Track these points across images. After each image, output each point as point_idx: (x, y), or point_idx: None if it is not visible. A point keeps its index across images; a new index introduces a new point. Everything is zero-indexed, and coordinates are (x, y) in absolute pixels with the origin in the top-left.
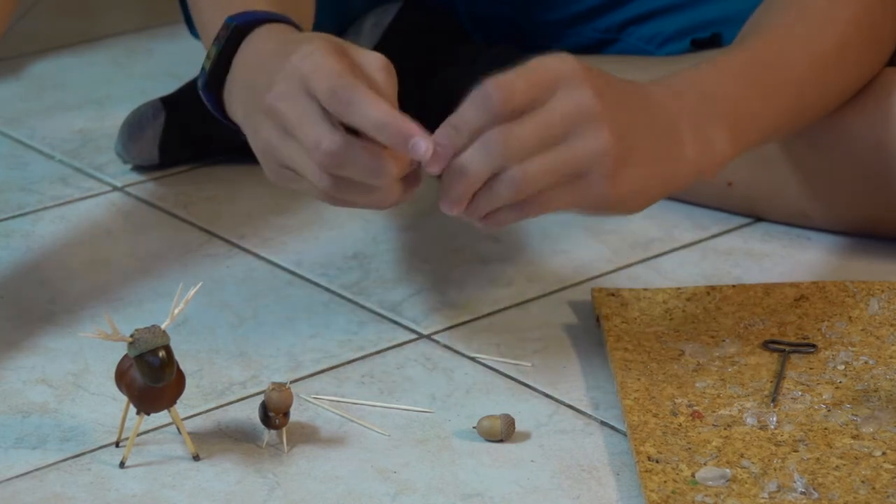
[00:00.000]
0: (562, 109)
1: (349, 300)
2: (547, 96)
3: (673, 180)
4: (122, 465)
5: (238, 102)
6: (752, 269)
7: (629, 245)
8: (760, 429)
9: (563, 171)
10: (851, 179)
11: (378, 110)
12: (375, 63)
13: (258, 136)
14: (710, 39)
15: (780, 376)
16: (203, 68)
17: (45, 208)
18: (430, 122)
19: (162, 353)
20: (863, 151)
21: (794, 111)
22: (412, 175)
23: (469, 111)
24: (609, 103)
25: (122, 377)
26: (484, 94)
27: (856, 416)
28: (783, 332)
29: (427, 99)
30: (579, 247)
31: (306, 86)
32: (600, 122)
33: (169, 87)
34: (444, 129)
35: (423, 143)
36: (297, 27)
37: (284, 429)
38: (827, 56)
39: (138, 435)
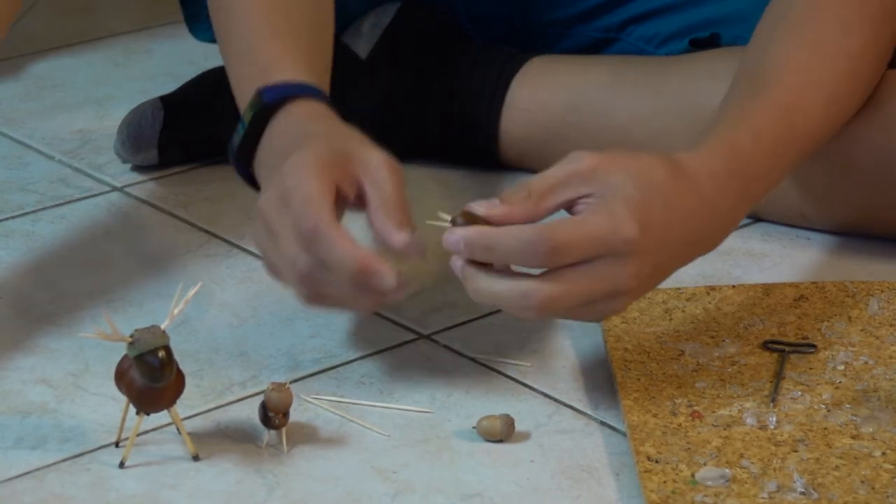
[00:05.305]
0: (601, 284)
1: None
2: (592, 257)
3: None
4: (121, 465)
5: (261, 180)
6: (752, 269)
7: None
8: (760, 429)
9: (576, 316)
10: (851, 182)
11: (337, 249)
12: (376, 162)
13: (253, 228)
14: (709, 39)
15: (779, 376)
16: (232, 141)
17: (45, 208)
18: (430, 123)
19: (161, 354)
20: (862, 155)
21: (804, 159)
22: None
23: (514, 249)
24: (644, 277)
25: (121, 377)
26: (539, 247)
27: (855, 416)
28: (783, 332)
29: (426, 100)
30: None
31: (286, 201)
32: (628, 297)
33: (168, 87)
34: (464, 248)
35: (386, 279)
36: (326, 98)
37: (284, 429)
38: (841, 94)
39: (138, 435)
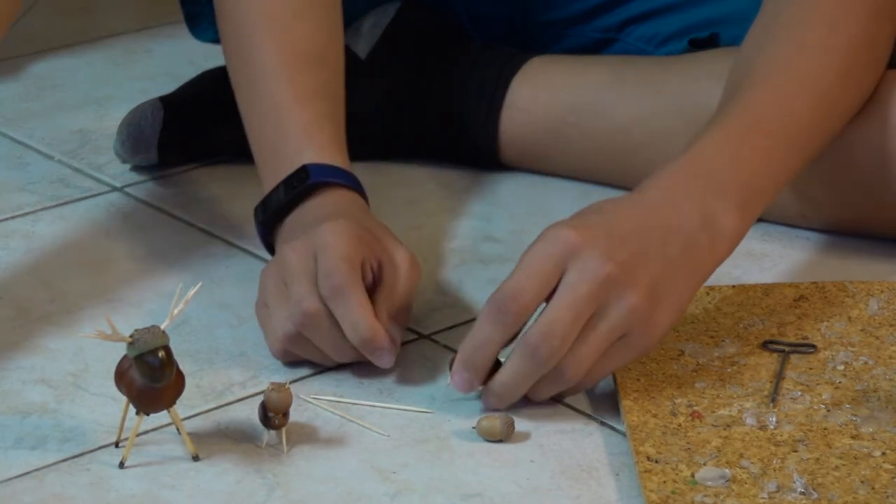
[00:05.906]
0: (585, 289)
1: None
2: (559, 276)
3: (698, 281)
4: (121, 465)
5: (282, 240)
6: (752, 269)
7: None
8: (760, 429)
9: (608, 343)
10: (851, 183)
11: (358, 312)
12: (402, 256)
13: (263, 273)
14: (708, 39)
15: (779, 376)
16: (265, 204)
17: (45, 208)
18: (430, 123)
19: (161, 354)
20: (862, 155)
21: (801, 159)
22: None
23: (487, 330)
24: (622, 258)
25: (121, 377)
26: (497, 309)
27: (855, 416)
28: (783, 333)
29: (426, 100)
30: None
31: (316, 253)
32: (623, 283)
33: (168, 87)
34: (462, 373)
35: (387, 358)
36: (363, 191)
37: (284, 429)
38: (830, 92)
39: (138, 435)
